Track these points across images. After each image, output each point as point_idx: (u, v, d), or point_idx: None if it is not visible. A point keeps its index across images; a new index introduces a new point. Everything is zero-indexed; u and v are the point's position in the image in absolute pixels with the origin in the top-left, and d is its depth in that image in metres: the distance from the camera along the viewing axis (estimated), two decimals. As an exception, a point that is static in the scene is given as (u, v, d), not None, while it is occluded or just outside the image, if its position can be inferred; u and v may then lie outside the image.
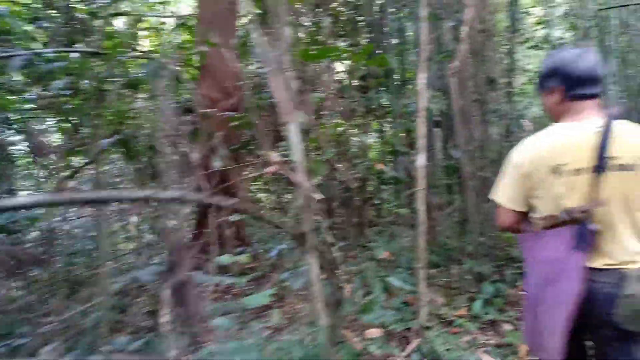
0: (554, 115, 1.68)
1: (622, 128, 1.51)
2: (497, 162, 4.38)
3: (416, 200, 2.91)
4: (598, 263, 1.52)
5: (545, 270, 1.58)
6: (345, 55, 3.58)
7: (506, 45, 5.96)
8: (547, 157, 1.54)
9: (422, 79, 2.80)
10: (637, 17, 7.19)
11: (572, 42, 7.59)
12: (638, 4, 6.27)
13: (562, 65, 1.60)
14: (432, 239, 4.43)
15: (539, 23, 8.29)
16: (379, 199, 3.83)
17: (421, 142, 2.86)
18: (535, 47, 7.40)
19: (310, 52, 2.96)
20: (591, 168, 1.48)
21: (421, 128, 2.85)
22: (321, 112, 3.92)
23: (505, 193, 1.68)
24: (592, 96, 1.57)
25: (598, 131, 1.49)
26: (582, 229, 1.49)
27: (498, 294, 3.44)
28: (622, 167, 1.48)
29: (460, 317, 3.21)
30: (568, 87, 1.59)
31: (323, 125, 3.82)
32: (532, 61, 8.94)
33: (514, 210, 1.67)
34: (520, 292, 3.89)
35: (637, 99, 7.53)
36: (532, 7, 8.37)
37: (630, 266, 1.49)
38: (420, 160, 2.86)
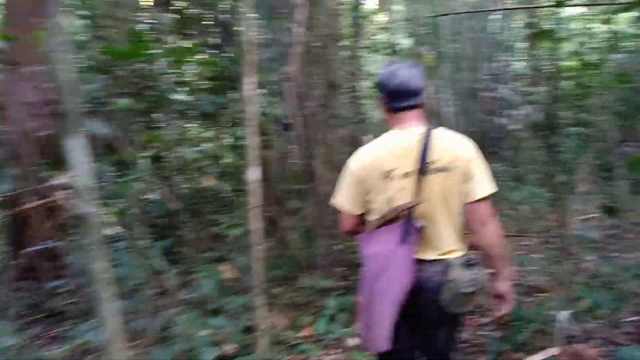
0: (387, 123, 1.83)
1: (440, 135, 1.71)
2: (342, 167, 4.40)
3: (251, 218, 2.61)
4: (426, 255, 1.71)
5: (376, 265, 1.69)
6: (171, 54, 3.13)
7: (350, 50, 6.03)
8: (379, 164, 1.70)
9: (250, 82, 2.50)
10: (466, 25, 7.93)
11: (411, 47, 8.10)
12: (466, 12, 6.83)
13: (382, 81, 1.77)
14: (282, 251, 4.23)
15: (381, 29, 8.70)
16: (213, 220, 3.45)
17: (252, 154, 2.56)
18: (377, 51, 7.67)
19: (119, 50, 2.46)
20: (416, 172, 1.66)
21: (252, 138, 2.55)
22: (145, 120, 3.40)
23: (344, 198, 1.82)
24: (410, 107, 1.74)
25: (420, 139, 1.68)
26: (407, 225, 1.66)
27: (343, 307, 3.33)
28: (441, 169, 1.67)
29: (305, 338, 3.02)
30: (389, 100, 1.76)
31: (150, 134, 3.30)
32: (376, 66, 9.38)
33: (353, 214, 1.82)
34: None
35: (467, 101, 8.41)
36: (374, 13, 8.74)
37: (452, 255, 1.72)
38: (253, 173, 2.57)
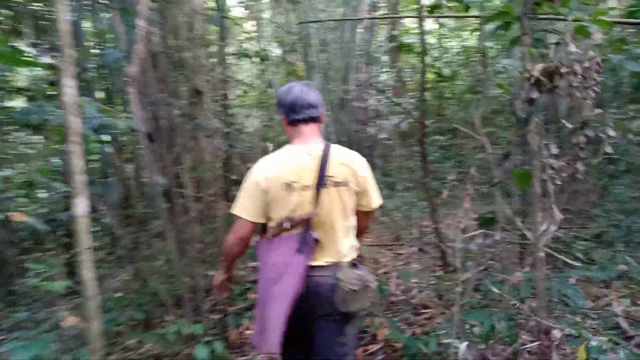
0: (288, 137, 1.96)
1: (337, 152, 1.88)
2: (213, 182, 3.88)
3: (80, 264, 1.96)
4: (322, 261, 1.85)
5: (273, 271, 1.80)
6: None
7: (217, 56, 5.53)
8: (281, 176, 1.80)
9: (68, 86, 1.86)
10: (334, 36, 7.88)
11: (280, 56, 7.83)
12: (332, 20, 6.71)
13: (279, 96, 1.93)
14: (142, 286, 3.54)
15: (249, 37, 8.30)
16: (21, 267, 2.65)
17: (78, 180, 1.92)
18: (246, 58, 7.24)
19: None
20: (315, 185, 1.80)
21: (76, 158, 1.91)
22: None
23: (245, 207, 1.85)
24: (307, 120, 1.88)
25: (319, 155, 1.83)
26: (304, 235, 1.80)
27: (216, 354, 2.80)
28: (337, 184, 1.84)
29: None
30: (287, 113, 1.90)
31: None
32: (246, 74, 8.95)
33: (252, 222, 1.86)
34: (246, 332, 3.41)
35: (338, 111, 8.42)
36: (243, 19, 8.31)
37: (344, 260, 1.88)
38: (79, 206, 1.92)
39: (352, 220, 1.95)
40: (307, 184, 1.81)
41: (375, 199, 1.98)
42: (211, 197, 3.54)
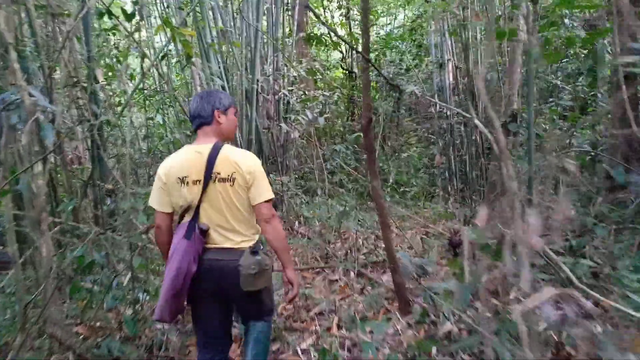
0: None
1: (225, 151, 2.12)
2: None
3: None
4: (217, 246, 2.12)
5: (170, 253, 2.08)
6: None
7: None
8: (176, 171, 2.10)
9: None
10: (238, 18, 6.67)
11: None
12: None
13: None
14: None
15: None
16: None
17: None
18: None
19: None
20: (202, 180, 2.08)
21: None
22: None
23: (155, 199, 2.17)
24: (200, 126, 2.20)
25: (208, 153, 2.10)
26: (192, 223, 2.09)
27: None
28: (223, 180, 2.10)
29: None
30: (191, 121, 2.25)
31: None
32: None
33: (162, 212, 2.17)
34: None
35: (245, 105, 7.30)
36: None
37: (244, 245, 2.14)
38: None
39: (246, 212, 2.15)
40: (197, 178, 2.08)
41: (262, 194, 2.13)
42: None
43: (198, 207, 2.08)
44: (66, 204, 3.83)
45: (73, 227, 3.17)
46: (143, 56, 3.35)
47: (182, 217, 2.12)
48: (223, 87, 7.14)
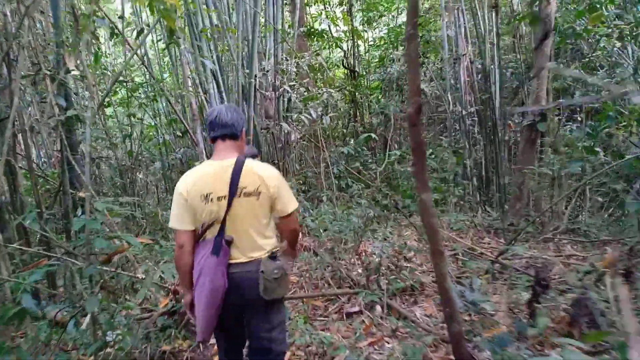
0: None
1: (249, 165, 2.09)
2: None
3: None
4: (242, 258, 2.08)
5: (196, 273, 2.06)
6: None
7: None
8: (199, 188, 2.04)
9: None
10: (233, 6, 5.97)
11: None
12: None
13: (206, 117, 2.53)
14: None
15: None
16: None
17: None
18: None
19: None
20: (227, 196, 2.04)
21: None
22: None
23: (177, 218, 2.08)
24: (223, 137, 2.13)
25: (232, 168, 2.06)
26: (218, 239, 2.05)
27: None
28: (248, 194, 2.07)
29: None
30: (208, 132, 2.18)
31: None
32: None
33: (184, 230, 2.08)
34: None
35: (242, 103, 6.62)
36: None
37: (263, 255, 2.11)
38: None
39: (267, 223, 2.15)
40: (222, 194, 2.03)
41: (288, 205, 2.16)
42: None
43: (223, 222, 2.05)
44: (25, 215, 3.13)
45: (21, 249, 2.45)
46: (112, 32, 2.63)
47: (202, 234, 2.08)
48: (217, 82, 6.45)
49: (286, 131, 6.23)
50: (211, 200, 2.02)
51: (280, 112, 6.67)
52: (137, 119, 6.53)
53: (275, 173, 2.14)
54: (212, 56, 5.90)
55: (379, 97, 10.81)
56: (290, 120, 6.58)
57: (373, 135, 7.02)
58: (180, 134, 7.05)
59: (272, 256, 2.10)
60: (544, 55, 5.69)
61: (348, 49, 11.40)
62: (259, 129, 6.65)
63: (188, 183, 2.05)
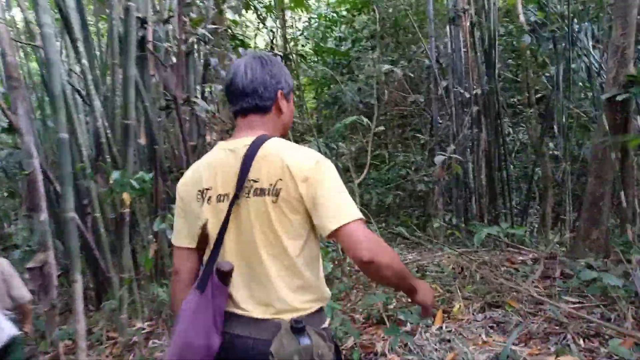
0: None
1: (272, 147, 1.22)
2: None
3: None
4: (251, 311, 1.20)
5: (177, 317, 1.25)
6: None
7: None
8: (196, 182, 1.29)
9: None
10: None
11: None
12: None
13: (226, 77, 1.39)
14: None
15: None
16: None
17: None
18: None
19: None
20: (232, 194, 1.22)
21: None
22: None
23: (175, 229, 1.36)
24: (243, 111, 1.29)
25: (245, 152, 1.22)
26: (208, 265, 1.24)
27: None
28: (260, 192, 1.19)
29: None
30: (229, 102, 1.33)
31: None
32: None
33: (181, 248, 1.32)
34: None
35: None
36: None
37: (285, 316, 1.19)
38: None
39: (298, 252, 1.20)
40: (225, 191, 1.22)
41: (340, 214, 1.14)
42: None
43: (221, 237, 1.21)
44: None
45: None
46: None
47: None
48: (68, 26, 3.51)
49: (203, 113, 3.42)
50: (208, 199, 1.24)
51: (192, 84, 3.84)
52: None
53: (312, 159, 1.18)
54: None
55: (322, 92, 8.27)
56: (210, 95, 3.78)
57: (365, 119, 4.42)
58: None
59: (297, 327, 1.15)
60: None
61: (273, 34, 8.66)
62: (153, 114, 3.75)
63: (187, 176, 1.33)
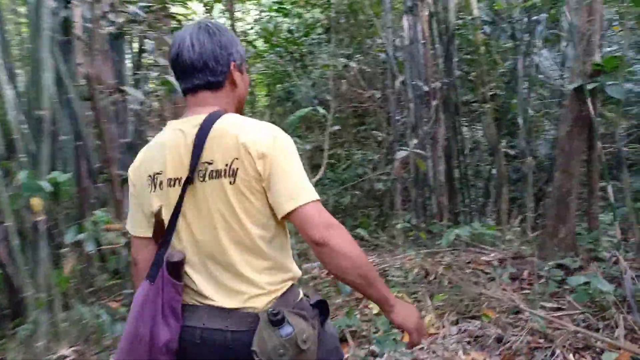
0: None
1: (225, 122, 1.14)
2: None
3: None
4: (208, 301, 1.15)
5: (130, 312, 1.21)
6: None
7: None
8: (147, 166, 1.21)
9: None
10: None
11: None
12: None
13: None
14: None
15: None
16: None
17: None
18: None
19: None
20: (184, 177, 1.15)
21: None
22: None
23: (129, 217, 1.31)
24: (193, 89, 1.20)
25: (196, 131, 1.14)
26: (158, 254, 1.18)
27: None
28: (215, 174, 1.12)
29: None
30: (176, 78, 1.24)
31: None
32: None
33: (137, 237, 1.27)
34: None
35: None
36: None
37: (257, 303, 1.13)
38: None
39: (260, 234, 1.13)
40: (176, 175, 1.15)
41: (296, 193, 1.09)
42: None
43: (172, 224, 1.15)
44: None
45: None
46: None
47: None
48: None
49: (139, 103, 2.98)
50: (160, 184, 1.16)
51: (124, 72, 3.38)
52: None
53: (269, 134, 1.12)
54: None
55: (272, 88, 7.88)
56: (144, 87, 3.34)
57: (322, 110, 4.09)
58: None
59: (275, 319, 1.07)
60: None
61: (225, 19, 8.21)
62: (76, 105, 3.26)
63: (137, 160, 1.24)
